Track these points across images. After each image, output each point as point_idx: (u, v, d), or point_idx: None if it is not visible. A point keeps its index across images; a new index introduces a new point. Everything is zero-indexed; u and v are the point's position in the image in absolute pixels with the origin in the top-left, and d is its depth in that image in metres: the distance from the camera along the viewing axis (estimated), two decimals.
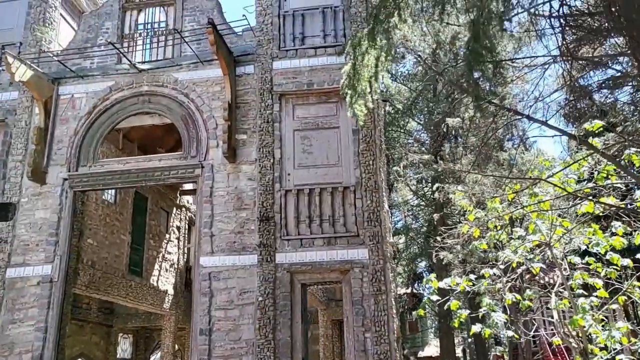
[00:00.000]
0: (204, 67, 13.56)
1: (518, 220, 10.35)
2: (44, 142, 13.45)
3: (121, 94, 13.79)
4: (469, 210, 8.72)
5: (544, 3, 11.83)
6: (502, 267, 8.00)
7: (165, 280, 21.19)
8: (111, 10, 14.78)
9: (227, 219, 12.21)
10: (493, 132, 13.98)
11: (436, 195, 18.51)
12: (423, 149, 26.55)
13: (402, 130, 29.36)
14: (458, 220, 16.59)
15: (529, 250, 8.06)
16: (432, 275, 8.20)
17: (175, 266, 22.12)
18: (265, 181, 12.15)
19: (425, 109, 27.26)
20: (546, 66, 10.82)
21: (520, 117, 13.36)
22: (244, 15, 13.07)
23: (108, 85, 13.88)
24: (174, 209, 22.38)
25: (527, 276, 13.88)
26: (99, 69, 14.09)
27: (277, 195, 12.09)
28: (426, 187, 26.80)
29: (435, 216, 17.76)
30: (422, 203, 26.91)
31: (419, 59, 16.21)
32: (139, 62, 14.01)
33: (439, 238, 12.86)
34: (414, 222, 33.48)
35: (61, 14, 15.92)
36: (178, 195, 22.13)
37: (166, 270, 21.46)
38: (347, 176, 12.19)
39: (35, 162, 13.15)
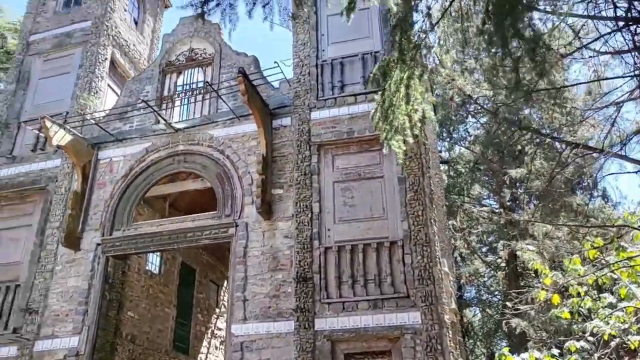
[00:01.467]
0: (240, 122, 12.99)
1: (605, 283, 8.54)
2: (80, 207, 13.08)
3: (157, 155, 13.38)
4: (544, 273, 7.18)
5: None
6: (591, 339, 6.35)
7: (214, 358, 19.85)
8: (152, 75, 14.76)
9: (262, 282, 11.01)
10: (562, 168, 12.22)
11: (501, 254, 16.52)
12: (485, 203, 24.52)
13: (465, 195, 27.57)
14: (531, 284, 14.49)
15: (622, 320, 6.37)
16: (506, 349, 6.61)
17: None
18: (302, 238, 10.98)
19: (490, 172, 25.56)
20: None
21: (592, 152, 11.61)
22: (275, 62, 12.53)
23: (145, 146, 13.54)
24: (225, 281, 21.41)
25: (624, 351, 11.62)
26: (137, 131, 13.85)
27: (316, 254, 10.85)
28: (490, 245, 24.47)
29: (500, 274, 15.67)
30: (491, 265, 24.47)
31: (467, 98, 14.96)
32: (175, 122, 13.67)
33: (509, 304, 11.01)
34: (486, 294, 30.68)
35: (108, 84, 16.19)
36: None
37: (216, 347, 20.16)
38: (394, 230, 10.80)
39: (70, 227, 12.71)
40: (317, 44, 13.37)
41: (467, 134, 29.31)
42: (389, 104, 7.89)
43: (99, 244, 12.65)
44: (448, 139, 29.10)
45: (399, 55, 7.48)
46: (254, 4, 8.82)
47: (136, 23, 18.83)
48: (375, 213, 11.07)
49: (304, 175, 11.66)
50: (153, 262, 16.87)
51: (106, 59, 16.10)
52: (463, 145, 28.45)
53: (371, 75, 7.82)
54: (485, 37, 7.82)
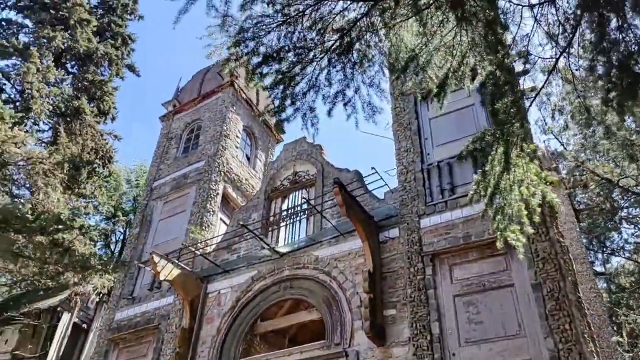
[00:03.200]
0: (344, 239, 12.03)
1: None
2: (188, 344, 12.47)
3: (263, 283, 12.68)
4: None
5: None
6: None
7: None
8: (258, 202, 14.66)
9: None
10: None
11: None
12: None
13: (633, 311, 23.21)
14: None
15: None
16: None
17: None
18: None
19: None
20: None
21: None
22: (373, 168, 11.66)
23: (250, 275, 12.97)
24: None
25: None
26: (244, 260, 13.42)
27: None
28: None
29: None
30: None
31: (605, 183, 12.64)
32: (281, 246, 13.07)
33: None
34: None
35: (221, 218, 16.40)
36: None
37: None
38: (536, 350, 8.62)
39: None
40: (421, 148, 12.47)
41: (624, 242, 25.48)
42: (494, 185, 6.52)
43: None
44: (602, 250, 25.58)
45: (497, 127, 6.25)
46: (334, 103, 8.27)
47: (248, 159, 19.53)
48: (509, 330, 9.02)
49: (418, 290, 10.10)
50: None
51: (218, 194, 16.53)
52: (622, 255, 24.73)
53: (464, 149, 6.58)
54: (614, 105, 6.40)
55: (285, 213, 14.20)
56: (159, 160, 19.05)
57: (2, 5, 22.79)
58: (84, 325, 20.36)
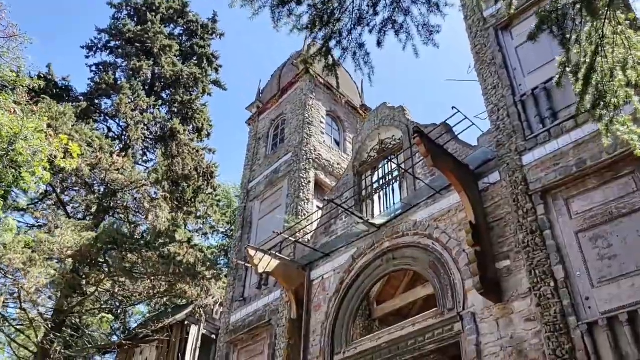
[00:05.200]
0: (441, 196, 10.85)
1: None
2: (299, 334, 11.96)
3: (364, 260, 11.84)
4: None
5: None
6: None
7: None
8: (347, 180, 13.89)
9: None
10: None
11: None
12: None
13: None
14: None
15: None
16: None
17: None
18: (550, 317, 7.76)
19: None
20: None
21: None
22: (454, 108, 10.33)
23: (350, 254, 12.19)
24: None
25: None
26: (342, 239, 12.69)
27: (575, 335, 7.44)
28: None
29: None
30: None
31: None
32: (376, 218, 12.18)
33: None
34: None
35: (317, 206, 15.87)
36: None
37: None
38: None
39: (290, 358, 11.56)
40: (510, 81, 10.95)
41: None
42: (587, 70, 5.18)
43: None
44: None
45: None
46: (384, 32, 7.31)
47: (338, 143, 18.89)
48: None
49: (532, 234, 8.68)
50: None
51: (309, 182, 16.04)
52: None
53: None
54: None
55: (376, 184, 13.29)
56: (251, 162, 19.06)
57: (94, 49, 24.46)
58: (213, 336, 20.83)
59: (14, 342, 22.26)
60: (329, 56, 7.50)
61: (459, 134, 11.43)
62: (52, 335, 15.83)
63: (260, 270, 12.19)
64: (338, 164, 17.72)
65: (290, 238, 13.51)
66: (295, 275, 12.80)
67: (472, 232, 9.11)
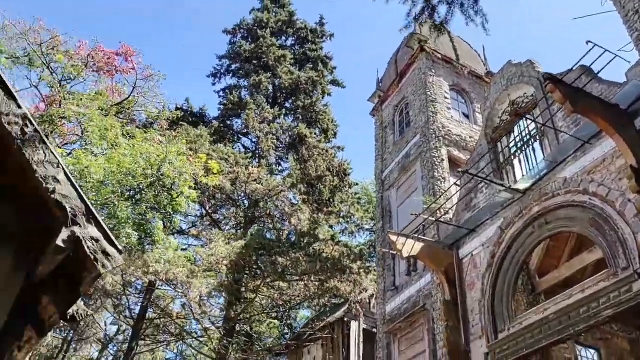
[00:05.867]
0: (591, 146, 9.71)
1: None
2: (457, 316, 11.45)
3: (514, 229, 11.00)
4: None
5: None
6: None
7: None
8: (481, 149, 13.08)
9: None
10: None
11: None
12: None
13: None
14: None
15: None
16: None
17: None
18: None
19: None
20: None
21: None
22: (589, 42, 9.10)
23: (497, 226, 11.41)
24: None
25: None
26: (485, 212, 11.94)
27: None
28: None
29: None
30: None
31: None
32: (519, 182, 11.27)
33: None
34: None
35: (455, 183, 15.17)
36: None
37: None
38: None
39: (452, 341, 11.09)
40: None
41: None
42: None
43: (487, 354, 10.49)
44: None
45: None
46: None
47: (467, 117, 17.98)
48: None
49: None
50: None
51: (442, 159, 15.44)
52: None
53: None
54: None
55: (514, 148, 12.32)
56: (381, 151, 18.89)
57: (218, 75, 26.11)
58: (374, 330, 20.90)
59: (200, 353, 24.47)
60: (435, 15, 7.08)
61: (599, 72, 10.13)
62: (225, 342, 17.03)
63: (405, 255, 11.90)
64: (470, 137, 16.84)
65: (431, 219, 13.04)
66: (443, 256, 12.30)
67: (635, 177, 7.97)
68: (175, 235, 20.94)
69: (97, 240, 4.70)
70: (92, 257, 4.61)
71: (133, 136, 14.85)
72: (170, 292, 19.21)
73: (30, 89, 18.97)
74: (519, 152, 12.17)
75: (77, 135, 16.48)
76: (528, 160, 11.85)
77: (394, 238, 12.00)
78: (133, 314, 25.20)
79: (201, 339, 23.00)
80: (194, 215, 26.10)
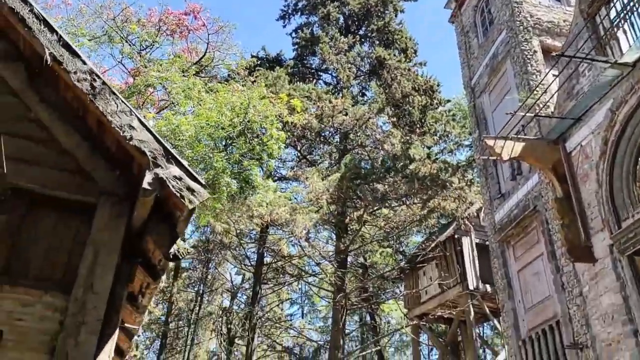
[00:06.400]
0: None
1: None
2: (571, 212, 10.74)
3: (626, 109, 9.91)
4: None
5: None
6: None
7: None
8: (577, 28, 11.77)
9: None
10: None
11: None
12: None
13: None
14: None
15: None
16: None
17: None
18: None
19: None
20: None
21: None
22: None
23: (606, 108, 10.35)
24: None
25: None
26: (590, 96, 10.85)
27: None
28: None
29: None
30: None
31: None
32: (626, 53, 10.04)
33: None
34: None
35: (553, 74, 13.95)
36: None
37: None
38: None
39: (570, 239, 10.47)
40: None
41: None
42: None
43: (611, 245, 9.79)
44: None
45: None
46: None
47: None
48: None
49: None
50: None
51: (535, 51, 14.18)
52: None
53: None
54: None
55: (615, 18, 10.94)
56: (466, 58, 17.78)
57: (287, 16, 25.69)
58: (486, 243, 20.42)
59: (321, 288, 25.58)
60: None
61: None
62: (339, 273, 17.51)
63: (506, 158, 11.24)
64: (564, 20, 15.25)
65: (529, 115, 12.13)
66: (548, 152, 11.47)
67: None
68: (277, 182, 21.55)
69: (180, 179, 4.81)
70: (178, 194, 4.73)
71: (216, 91, 15.16)
72: (280, 234, 19.95)
73: (116, 66, 19.92)
74: (621, 21, 10.79)
75: (165, 100, 17.15)
76: (634, 28, 10.49)
77: (490, 142, 11.34)
78: (252, 262, 26.74)
79: (319, 275, 23.96)
80: (291, 160, 26.66)
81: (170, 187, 4.58)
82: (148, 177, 4.57)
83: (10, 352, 4.06)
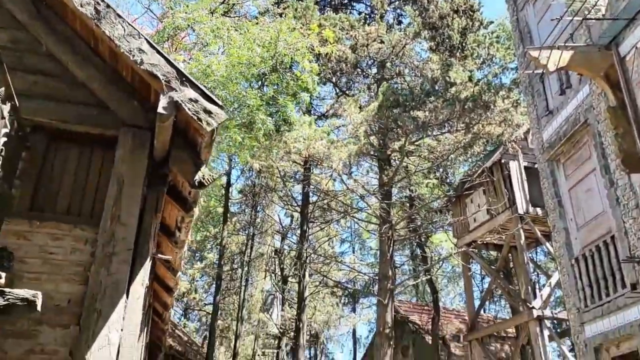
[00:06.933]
0: None
1: None
2: (626, 121, 10.03)
3: None
4: None
5: None
6: None
7: None
8: None
9: None
10: None
11: None
12: None
13: None
14: None
15: None
16: None
17: None
18: None
19: None
20: None
21: None
22: None
23: None
24: None
25: None
26: None
27: None
28: None
29: None
30: None
31: None
32: None
33: None
34: None
35: None
36: None
37: None
38: None
39: (625, 149, 9.82)
40: None
41: None
42: None
43: None
44: None
45: None
46: None
47: None
48: None
49: None
50: None
51: None
52: None
53: None
54: None
55: None
56: None
57: None
58: (535, 166, 19.70)
59: (369, 222, 25.66)
60: None
61: None
62: (384, 204, 17.37)
63: (552, 69, 10.49)
64: None
65: (577, 19, 11.21)
66: (599, 59, 10.63)
67: None
68: (316, 120, 21.28)
69: (195, 101, 4.62)
70: (195, 117, 4.57)
71: (246, 29, 14.79)
72: (322, 172, 19.86)
73: (145, 14, 19.68)
74: None
75: (195, 42, 16.92)
76: None
77: (535, 53, 10.58)
78: (298, 203, 26.99)
79: (365, 210, 23.94)
80: (330, 98, 26.21)
81: (186, 109, 4.43)
82: (163, 102, 4.42)
83: (45, 285, 4.13)
